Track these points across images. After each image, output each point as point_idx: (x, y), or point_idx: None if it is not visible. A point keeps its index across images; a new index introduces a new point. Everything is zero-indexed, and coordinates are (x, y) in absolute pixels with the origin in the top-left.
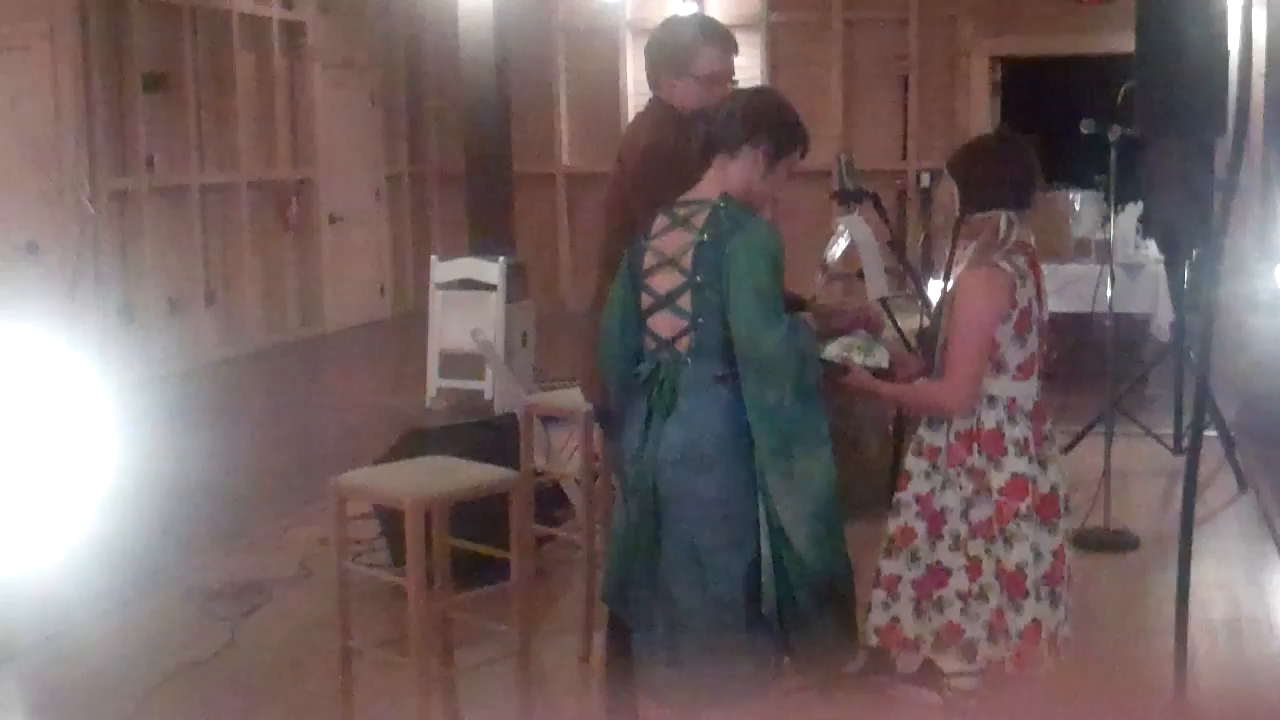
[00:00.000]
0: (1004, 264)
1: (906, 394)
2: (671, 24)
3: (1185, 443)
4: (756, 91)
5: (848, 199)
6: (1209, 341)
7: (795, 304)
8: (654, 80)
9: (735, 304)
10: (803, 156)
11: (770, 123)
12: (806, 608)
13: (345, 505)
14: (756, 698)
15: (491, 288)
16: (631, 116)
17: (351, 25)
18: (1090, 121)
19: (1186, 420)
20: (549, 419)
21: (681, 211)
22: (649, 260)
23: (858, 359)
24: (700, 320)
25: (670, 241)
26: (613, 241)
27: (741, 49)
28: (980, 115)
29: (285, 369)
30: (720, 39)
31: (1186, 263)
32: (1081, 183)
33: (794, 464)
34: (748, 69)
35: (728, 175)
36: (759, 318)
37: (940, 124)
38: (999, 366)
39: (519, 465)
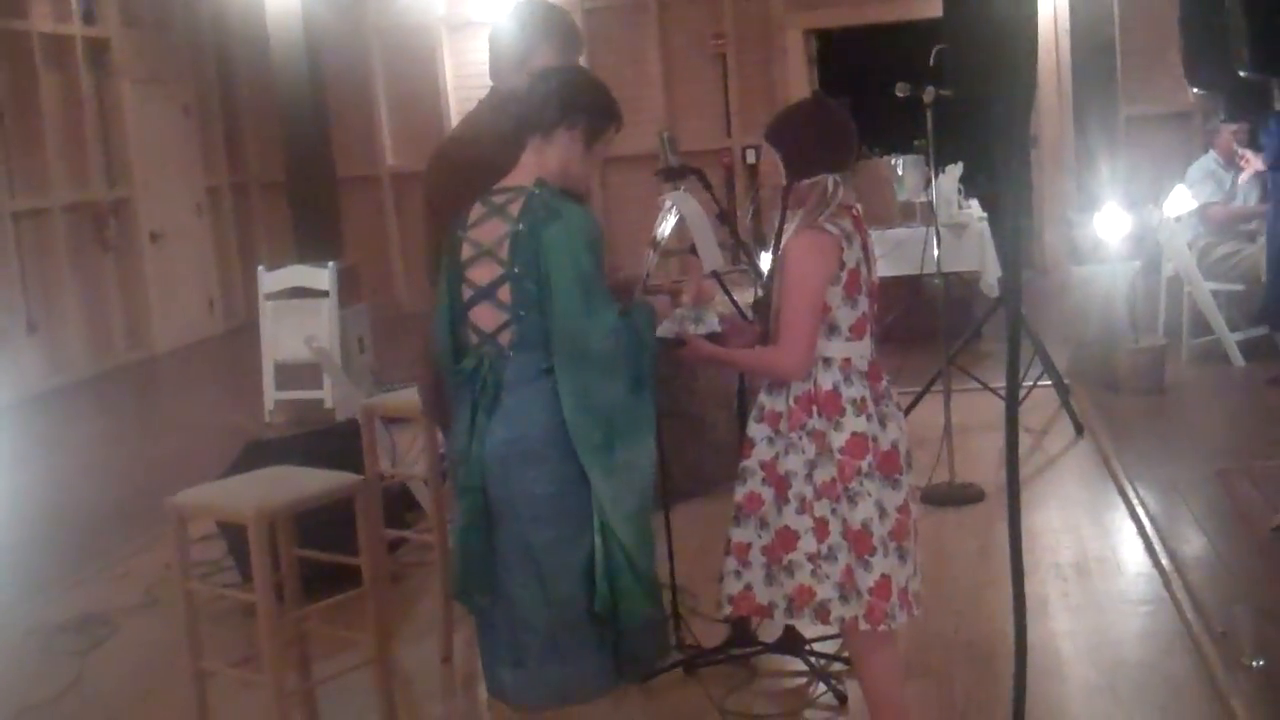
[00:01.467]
0: (829, 226)
1: (746, 357)
2: (517, 14)
3: (1022, 394)
4: (567, 71)
5: (673, 176)
6: (1018, 292)
7: (625, 287)
8: (493, 70)
9: (557, 297)
10: (617, 131)
11: (585, 102)
12: (636, 602)
13: (186, 525)
14: (604, 694)
15: (323, 294)
16: (454, 112)
17: (158, 38)
18: (905, 85)
19: (1024, 371)
20: (392, 421)
21: (498, 199)
22: (467, 251)
23: (691, 329)
24: (521, 313)
25: (487, 231)
26: (434, 251)
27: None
28: (798, 87)
29: (116, 395)
30: (561, 36)
31: (1022, 218)
32: (902, 148)
33: (615, 457)
34: None
35: (544, 159)
36: (583, 310)
37: (760, 99)
38: (832, 329)
39: (364, 470)
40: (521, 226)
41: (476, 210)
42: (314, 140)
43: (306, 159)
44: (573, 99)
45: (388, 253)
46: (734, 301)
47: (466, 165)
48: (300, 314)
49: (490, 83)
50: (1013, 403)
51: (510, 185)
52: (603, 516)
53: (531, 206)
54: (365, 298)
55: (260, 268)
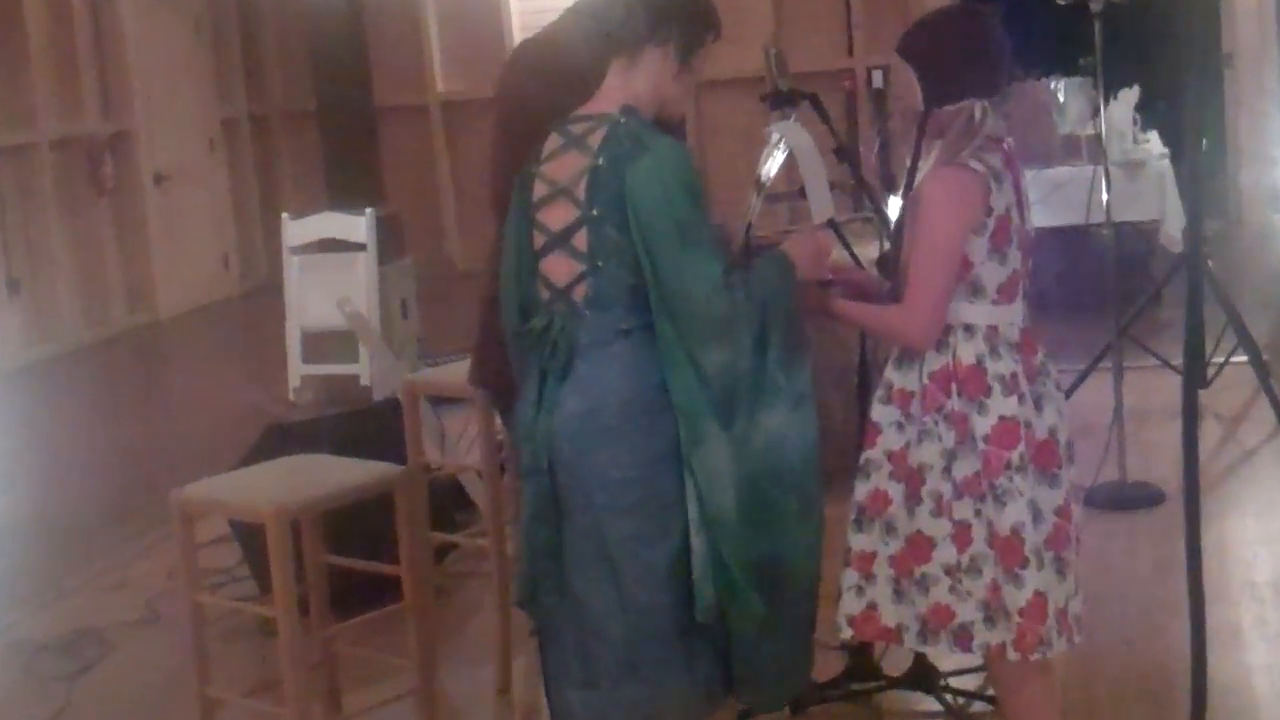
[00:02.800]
0: (974, 163)
1: (863, 312)
2: None
3: (1212, 374)
4: None
5: (781, 102)
6: (1200, 244)
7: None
8: None
9: (653, 247)
10: (715, 41)
11: (677, 10)
12: (748, 609)
13: (193, 525)
14: None
15: (360, 247)
16: (518, 27)
17: None
18: None
19: (1213, 346)
20: (440, 401)
21: (576, 129)
22: (539, 190)
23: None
24: (599, 263)
25: (563, 166)
26: (504, 178)
27: None
28: None
29: (113, 368)
30: None
31: (1198, 155)
32: (1063, 68)
33: (754, 426)
34: None
35: (630, 82)
36: (682, 261)
37: (891, 6)
38: (974, 289)
39: (406, 460)
40: (602, 161)
41: (552, 141)
42: (349, 62)
43: (340, 84)
44: (663, 7)
45: (437, 198)
46: (855, 257)
47: (557, 72)
48: (332, 271)
49: None
50: (1191, 383)
51: (591, 113)
52: (712, 506)
53: (615, 138)
54: (410, 252)
55: (285, 216)
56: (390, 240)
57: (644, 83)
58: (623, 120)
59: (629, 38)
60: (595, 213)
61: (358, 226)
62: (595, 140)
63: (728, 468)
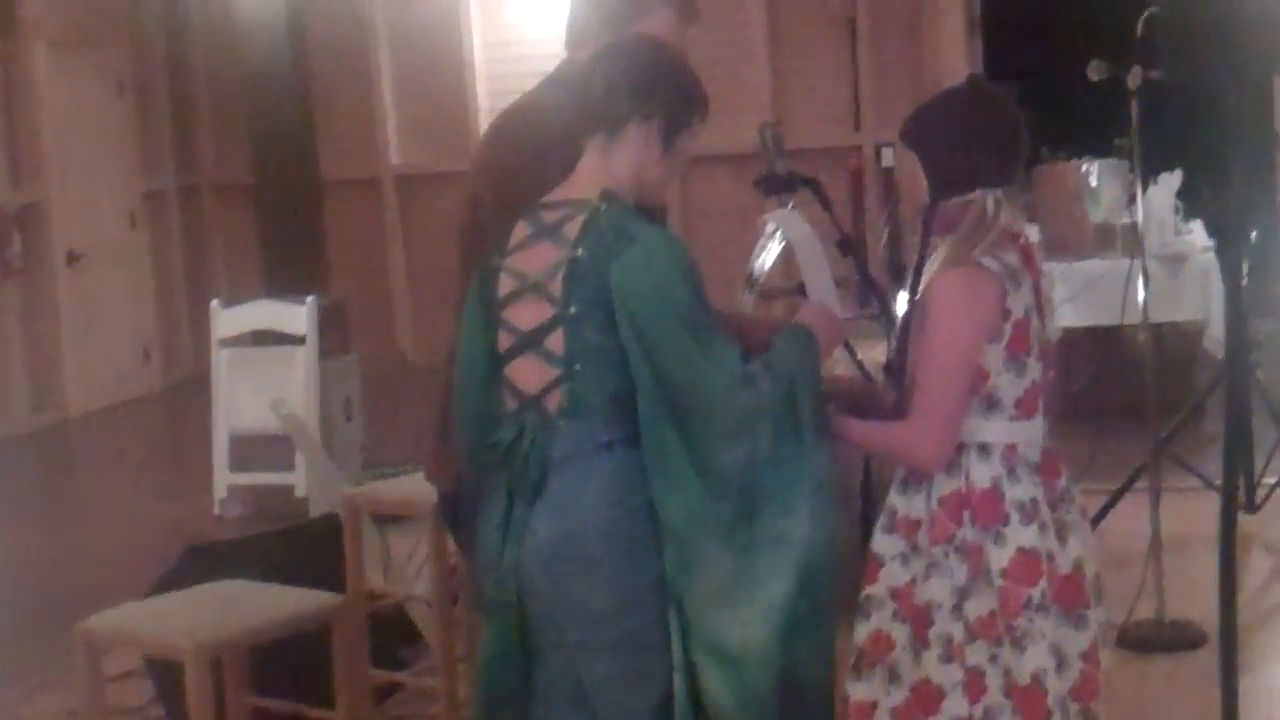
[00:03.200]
0: (988, 261)
1: (867, 431)
2: None
3: (1262, 496)
4: (635, 45)
5: (777, 187)
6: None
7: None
8: (575, 36)
9: (656, 347)
10: (702, 121)
11: (663, 86)
12: None
13: (100, 660)
14: None
15: (299, 340)
16: (483, 92)
17: None
18: (1101, 64)
19: (1263, 464)
20: (386, 519)
21: (549, 216)
22: (506, 284)
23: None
24: (576, 368)
25: (534, 258)
26: (474, 259)
27: None
28: (955, 65)
29: (14, 472)
30: (684, 2)
31: (1247, 250)
32: (1098, 149)
33: (757, 531)
34: None
35: (610, 164)
36: (699, 355)
37: (903, 80)
38: (991, 403)
39: (345, 587)
40: (581, 253)
41: (521, 230)
42: (292, 129)
43: (281, 154)
44: (647, 83)
45: (388, 284)
46: (858, 361)
47: (546, 146)
48: (267, 367)
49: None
50: (1229, 506)
51: (566, 198)
52: (702, 641)
53: (595, 227)
54: (356, 346)
55: (215, 303)
56: (333, 332)
57: (624, 165)
58: (603, 207)
59: (609, 114)
60: (573, 311)
61: (297, 316)
62: (572, 230)
63: (730, 590)
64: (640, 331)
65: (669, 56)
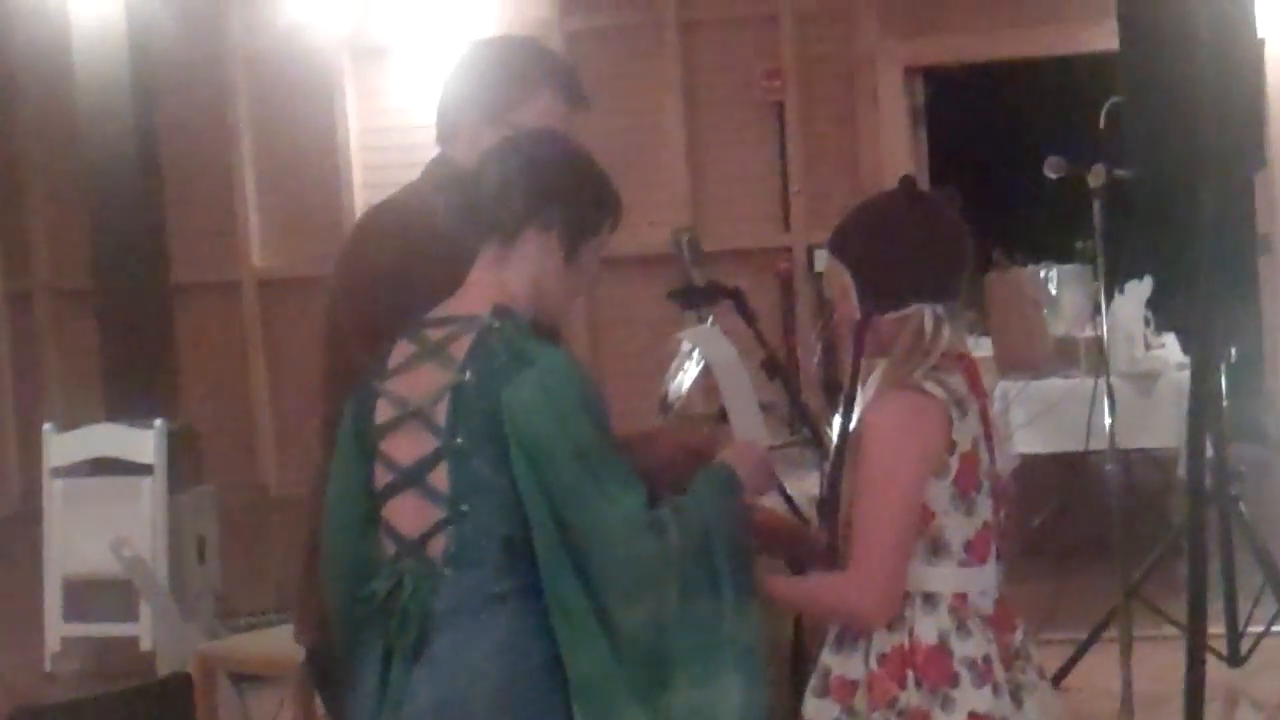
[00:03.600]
0: (930, 386)
1: (797, 587)
2: (494, 48)
3: (1247, 647)
4: (532, 140)
5: (695, 300)
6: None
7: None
8: (447, 127)
9: (550, 484)
10: (613, 230)
11: (565, 187)
12: None
13: None
14: None
15: (145, 470)
16: (359, 185)
17: None
18: (1059, 160)
19: (1249, 610)
20: (244, 678)
21: (434, 334)
22: (384, 411)
23: None
24: (463, 508)
25: (416, 381)
26: (336, 389)
27: None
28: (896, 157)
29: None
30: (568, 85)
31: (1223, 366)
32: (1057, 253)
33: (672, 698)
34: None
35: (504, 275)
36: (596, 495)
37: (838, 174)
38: (937, 546)
39: None
40: (469, 377)
41: (402, 349)
42: (140, 227)
43: (127, 256)
44: (546, 184)
45: (249, 404)
46: (787, 496)
47: (424, 247)
48: (107, 501)
49: (439, 147)
50: (1196, 656)
51: (454, 314)
52: None
53: (486, 347)
54: (211, 477)
55: (47, 427)
56: (185, 460)
57: (521, 277)
58: (495, 325)
59: (502, 220)
60: (459, 442)
61: (143, 442)
62: (459, 350)
63: None
64: (533, 467)
65: (572, 152)
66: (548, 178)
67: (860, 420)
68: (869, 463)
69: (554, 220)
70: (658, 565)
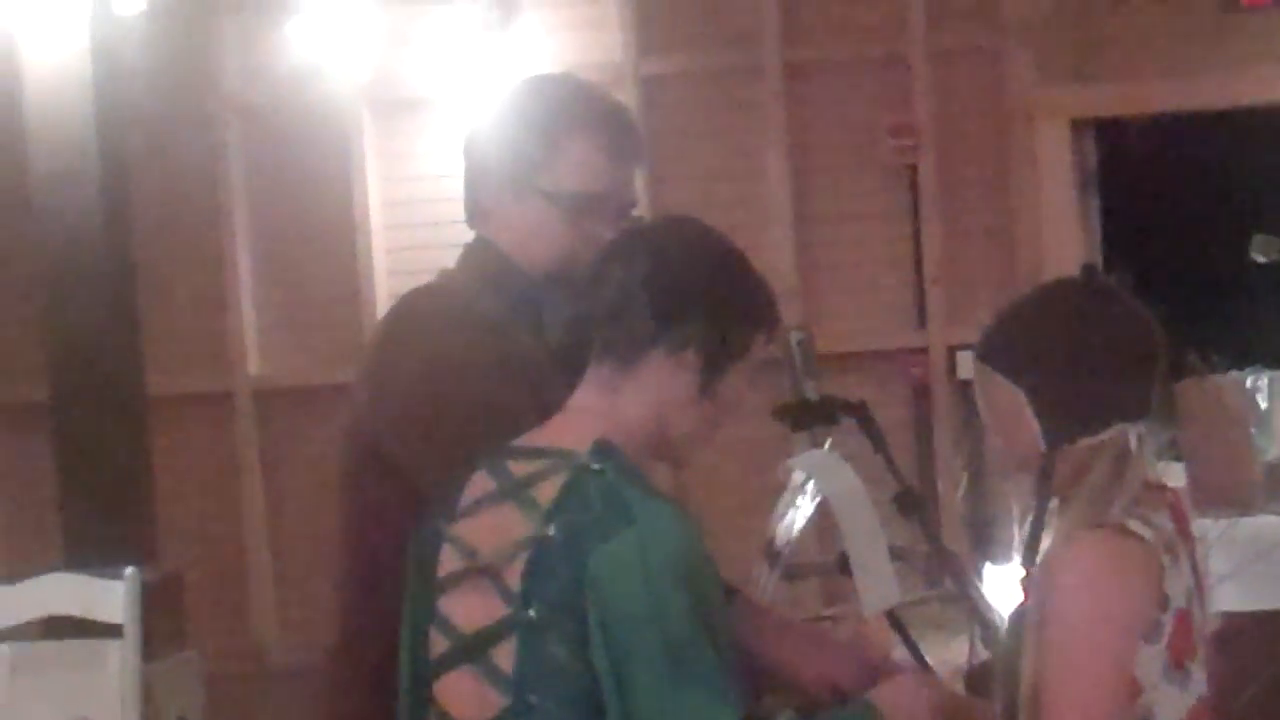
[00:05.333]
0: (1136, 525)
1: None
2: (511, 96)
3: None
4: (669, 230)
5: (807, 418)
6: None
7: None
8: (473, 203)
9: (627, 678)
10: (769, 344)
11: (706, 298)
12: None
13: None
14: None
15: (114, 631)
16: (381, 271)
17: None
18: (1269, 240)
19: None
20: None
21: (519, 468)
22: (448, 561)
23: None
24: (530, 698)
25: (490, 527)
26: (358, 532)
27: None
28: (1061, 232)
29: None
30: (607, 130)
31: None
32: (1266, 357)
33: None
34: None
35: (615, 405)
36: (676, 704)
37: (986, 253)
38: None
39: None
40: (554, 532)
41: (479, 485)
42: (107, 329)
43: (91, 363)
44: (685, 291)
45: (243, 550)
46: (923, 661)
47: (477, 343)
48: (66, 671)
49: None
50: None
51: (545, 445)
52: None
53: (578, 496)
54: (197, 640)
55: None
56: (163, 620)
57: (639, 407)
58: (595, 467)
59: (620, 338)
60: (533, 615)
61: (110, 597)
62: (546, 494)
63: None
64: (617, 657)
65: (715, 247)
66: (682, 286)
67: (1048, 568)
68: (1063, 625)
69: (691, 342)
70: None
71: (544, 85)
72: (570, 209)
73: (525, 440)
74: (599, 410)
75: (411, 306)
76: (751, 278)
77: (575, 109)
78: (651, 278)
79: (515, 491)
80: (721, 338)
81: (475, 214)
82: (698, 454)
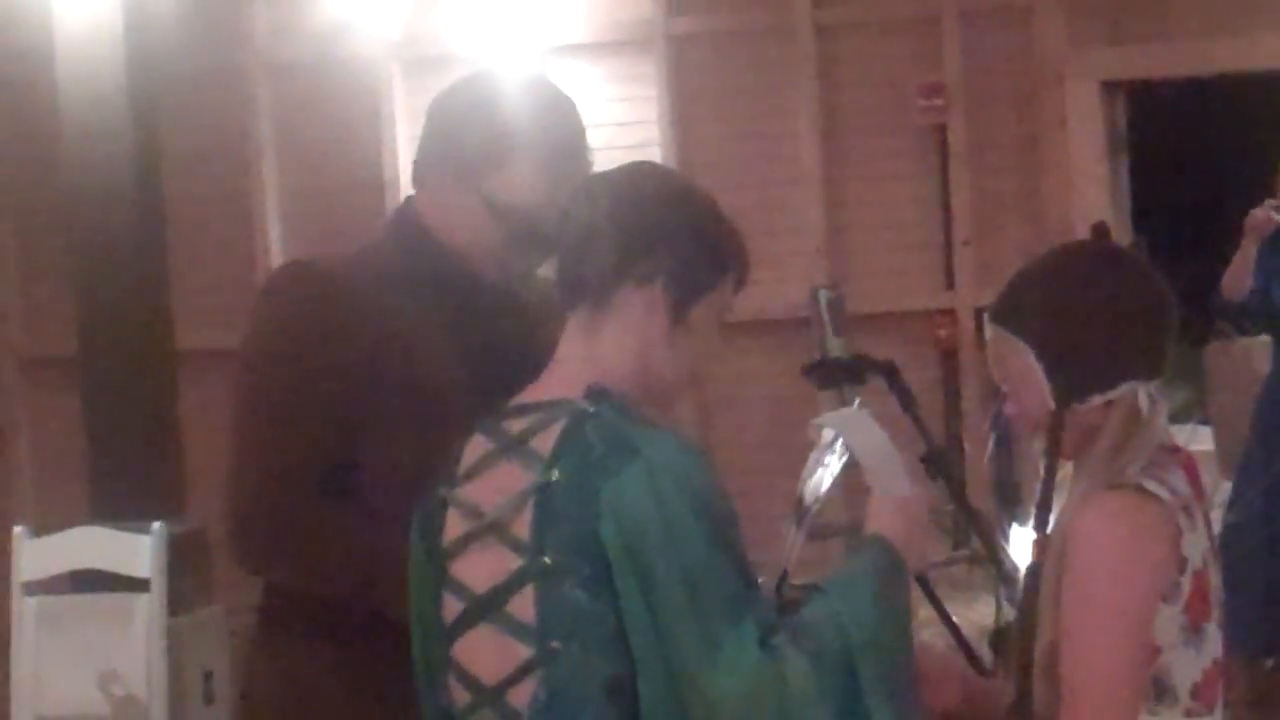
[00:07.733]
0: (1152, 485)
1: None
2: (483, 82)
3: None
4: (633, 170)
5: (837, 378)
6: None
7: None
8: (422, 167)
9: (652, 608)
10: (738, 290)
11: (673, 232)
12: None
13: None
14: None
15: (140, 585)
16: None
17: None
18: None
19: None
20: None
21: (514, 426)
22: (454, 526)
23: None
24: (554, 644)
25: (492, 485)
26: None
27: (631, 83)
28: (1090, 195)
29: None
30: (559, 151)
31: None
32: None
33: None
34: (635, 126)
35: (598, 348)
36: (700, 637)
37: (1015, 215)
38: (1160, 690)
39: None
40: (558, 476)
41: (476, 446)
42: (134, 277)
43: (117, 313)
44: (651, 228)
45: None
46: (951, 625)
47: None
48: (92, 624)
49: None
50: None
51: (537, 399)
52: None
53: (578, 439)
54: (223, 595)
55: (18, 530)
56: (190, 574)
57: (619, 347)
58: (591, 409)
59: (590, 275)
60: (548, 561)
61: (137, 550)
62: (545, 443)
63: None
64: (645, 588)
65: (677, 186)
66: (646, 218)
67: (1062, 530)
68: (1083, 585)
69: (659, 275)
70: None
71: (516, 85)
72: (503, 219)
73: (517, 399)
74: (583, 356)
75: (286, 275)
76: (717, 216)
77: (537, 123)
78: (614, 212)
79: (514, 447)
80: (689, 269)
81: (417, 177)
82: (682, 397)
